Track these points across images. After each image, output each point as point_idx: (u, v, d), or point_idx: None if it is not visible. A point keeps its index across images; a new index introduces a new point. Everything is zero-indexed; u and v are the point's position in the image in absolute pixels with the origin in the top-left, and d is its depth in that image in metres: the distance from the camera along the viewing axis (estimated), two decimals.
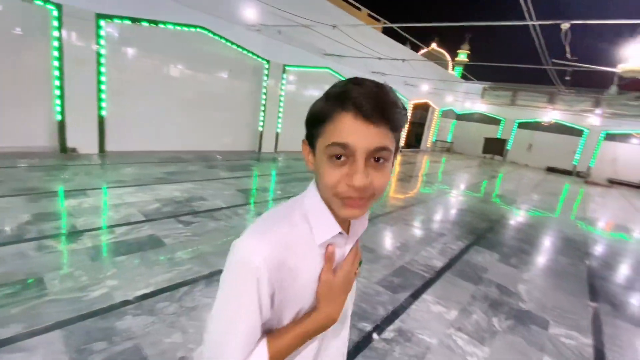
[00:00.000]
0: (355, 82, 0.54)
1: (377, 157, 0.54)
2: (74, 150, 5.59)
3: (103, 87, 5.70)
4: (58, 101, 5.27)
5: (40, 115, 5.29)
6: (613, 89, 8.21)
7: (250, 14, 7.12)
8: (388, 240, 4.03)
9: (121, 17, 5.70)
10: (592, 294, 3.39)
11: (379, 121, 0.52)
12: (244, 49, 7.81)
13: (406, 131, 16.03)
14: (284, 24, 7.48)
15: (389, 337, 2.23)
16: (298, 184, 6.06)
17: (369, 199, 0.56)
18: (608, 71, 5.72)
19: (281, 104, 9.17)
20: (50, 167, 4.77)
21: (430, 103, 16.89)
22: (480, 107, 18.98)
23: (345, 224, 0.66)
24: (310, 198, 0.63)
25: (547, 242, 4.96)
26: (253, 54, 8.08)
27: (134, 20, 5.87)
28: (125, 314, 2.07)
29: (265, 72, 8.50)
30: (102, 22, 5.48)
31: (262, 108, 8.75)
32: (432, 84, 14.53)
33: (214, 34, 7.13)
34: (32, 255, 2.54)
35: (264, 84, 8.59)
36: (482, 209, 6.39)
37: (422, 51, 21.49)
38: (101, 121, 5.84)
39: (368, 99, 0.51)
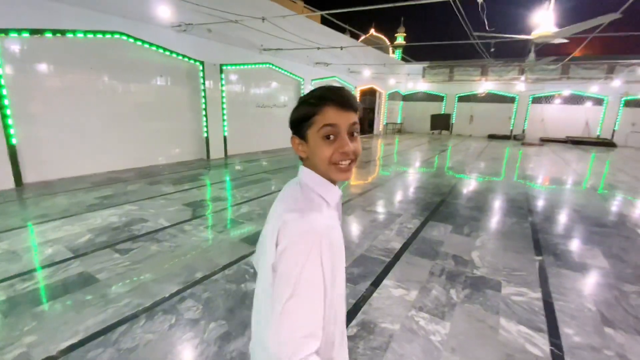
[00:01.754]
0: (325, 88, 0.76)
1: (352, 131, 0.76)
2: None
3: (8, 111, 4.96)
4: None
5: None
6: (531, 55, 8.90)
7: (168, 13, 6.62)
8: (346, 231, 3.98)
9: (18, 30, 4.98)
10: (536, 248, 3.61)
11: (350, 108, 0.75)
12: (172, 51, 7.28)
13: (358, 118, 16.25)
14: (212, 21, 7.07)
15: (351, 333, 2.16)
16: (254, 186, 5.81)
17: (353, 161, 0.77)
18: (526, 39, 6.16)
19: (224, 106, 8.74)
20: None
21: (377, 88, 17.24)
22: (423, 86, 19.79)
23: None
24: (309, 178, 0.80)
25: (494, 206, 5.25)
26: (184, 56, 7.57)
27: (35, 32, 5.16)
28: None
29: (201, 74, 8.03)
30: None
31: (204, 112, 8.28)
32: (375, 68, 14.79)
33: (136, 39, 6.55)
34: None
35: (202, 86, 8.11)
36: (435, 183, 6.62)
37: (362, 38, 21.81)
38: (12, 151, 5.11)
39: (341, 97, 0.75)
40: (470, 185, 6.64)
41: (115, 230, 3.70)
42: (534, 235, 3.99)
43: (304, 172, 0.81)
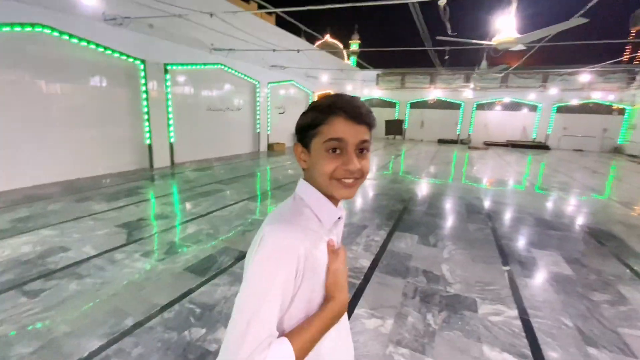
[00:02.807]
0: (338, 96, 0.70)
1: (361, 148, 0.70)
2: None
3: None
4: None
5: None
6: (483, 63, 9.39)
7: (99, 3, 5.81)
8: None
9: None
10: (502, 257, 3.58)
11: (361, 122, 0.68)
12: (107, 48, 6.40)
13: None
14: (153, 14, 6.35)
15: None
16: (204, 200, 5.22)
17: (358, 179, 0.70)
18: (480, 47, 6.38)
19: (170, 110, 7.94)
20: None
21: (332, 92, 17.25)
22: (377, 92, 20.26)
23: None
24: (305, 191, 0.74)
25: (454, 211, 5.26)
26: (121, 53, 6.71)
27: None
28: None
29: (142, 74, 7.19)
30: None
31: (146, 117, 7.42)
32: (331, 74, 14.77)
33: (61, 32, 5.61)
34: None
35: (143, 88, 7.27)
36: (395, 189, 6.56)
37: (318, 42, 21.80)
38: None
39: (353, 107, 0.68)
40: (428, 189, 6.69)
41: (25, 265, 2.96)
42: (497, 242, 3.99)
43: (301, 184, 0.76)
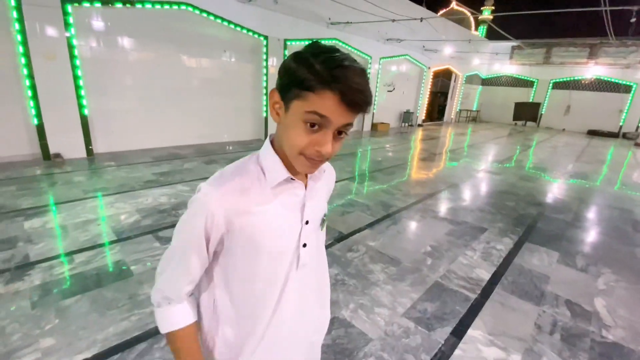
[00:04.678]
0: (344, 65, 0.56)
1: (341, 130, 0.61)
2: (57, 155, 5.09)
3: (80, 82, 5.09)
4: (32, 103, 4.73)
5: (15, 121, 4.78)
6: None
7: None
8: (413, 243, 3.25)
9: (90, 0, 4.99)
10: None
11: (355, 109, 0.58)
12: (237, 25, 6.95)
13: (427, 103, 14.73)
14: None
15: None
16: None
17: (325, 160, 0.64)
18: None
19: None
20: (24, 178, 4.27)
21: (453, 69, 15.36)
22: (510, 68, 17.18)
23: (301, 178, 0.72)
24: (264, 151, 0.69)
25: (614, 228, 3.98)
26: (248, 30, 7.20)
27: (105, 2, 5.14)
28: None
29: (264, 50, 7.63)
30: (69, 8, 4.80)
31: (265, 91, 7.94)
32: (455, 46, 13.05)
33: (201, 10, 6.31)
34: None
35: (264, 63, 7.73)
36: (526, 188, 5.41)
37: (441, 12, 19.56)
38: (84, 121, 5.28)
39: (355, 90, 0.56)
40: (572, 193, 5.29)
41: (161, 214, 3.49)
42: None
43: (265, 145, 0.69)
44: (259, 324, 0.72)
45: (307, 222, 0.72)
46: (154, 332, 1.89)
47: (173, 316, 0.69)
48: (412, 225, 3.69)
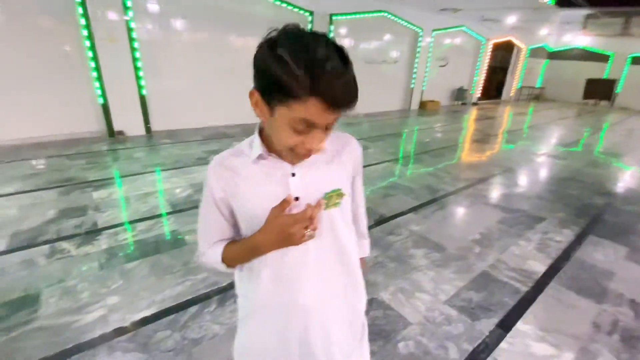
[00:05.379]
0: (326, 68, 0.54)
1: (329, 126, 0.64)
2: (121, 133, 5.58)
3: (139, 63, 5.43)
4: (97, 83, 5.17)
5: (83, 100, 5.27)
6: None
7: None
8: (461, 230, 3.10)
9: None
10: None
11: (345, 109, 0.59)
12: (282, 1, 6.86)
13: (484, 80, 13.54)
14: None
15: None
16: None
17: (315, 153, 0.68)
18: None
19: None
20: (92, 153, 4.75)
21: (515, 41, 13.84)
22: (582, 40, 15.06)
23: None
24: (253, 137, 0.75)
25: None
26: (294, 6, 7.08)
27: None
28: (114, 349, 1.67)
29: (310, 26, 7.48)
30: None
31: None
32: (520, 14, 11.67)
33: None
34: (39, 264, 2.32)
35: None
36: (593, 176, 4.84)
37: None
38: (143, 100, 5.68)
39: (340, 95, 0.56)
40: None
41: None
42: None
43: (256, 134, 0.75)
44: (267, 270, 0.78)
45: (296, 199, 0.71)
46: (204, 297, 2.05)
47: (216, 253, 0.79)
48: (460, 211, 3.51)
